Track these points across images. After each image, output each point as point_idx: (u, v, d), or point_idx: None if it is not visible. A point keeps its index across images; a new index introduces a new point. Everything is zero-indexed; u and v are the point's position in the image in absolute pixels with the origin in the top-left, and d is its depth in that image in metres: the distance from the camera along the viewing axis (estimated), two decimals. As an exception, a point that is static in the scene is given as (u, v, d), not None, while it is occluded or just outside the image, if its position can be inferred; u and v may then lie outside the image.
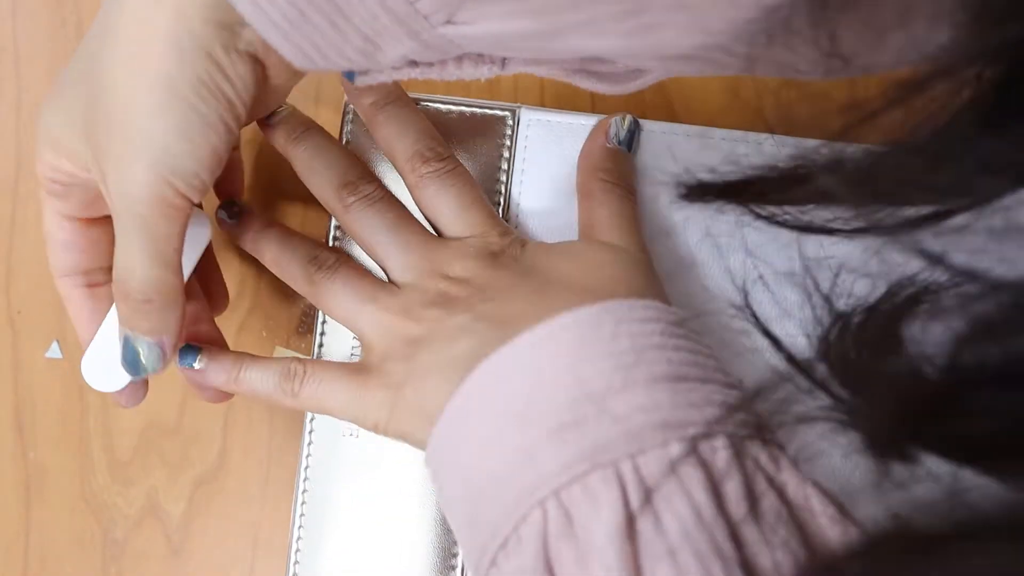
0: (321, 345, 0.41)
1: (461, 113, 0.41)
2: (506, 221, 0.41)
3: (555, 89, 0.45)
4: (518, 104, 0.41)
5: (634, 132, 0.40)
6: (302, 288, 0.38)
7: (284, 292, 0.45)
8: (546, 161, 0.41)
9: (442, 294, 0.36)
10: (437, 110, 0.41)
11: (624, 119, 0.40)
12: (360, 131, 0.41)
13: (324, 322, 0.41)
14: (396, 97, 0.38)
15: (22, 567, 0.45)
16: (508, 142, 0.41)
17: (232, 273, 0.45)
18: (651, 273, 0.37)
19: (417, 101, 0.41)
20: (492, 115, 0.41)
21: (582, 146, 0.40)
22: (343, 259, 0.38)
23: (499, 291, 0.35)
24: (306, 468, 0.41)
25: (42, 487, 0.45)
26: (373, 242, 0.38)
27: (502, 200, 0.41)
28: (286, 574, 0.41)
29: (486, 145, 0.41)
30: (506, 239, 0.38)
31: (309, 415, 0.41)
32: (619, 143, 0.39)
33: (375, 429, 0.36)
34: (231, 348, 0.45)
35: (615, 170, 0.39)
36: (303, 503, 0.41)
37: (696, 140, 0.41)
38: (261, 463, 0.45)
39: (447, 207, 0.38)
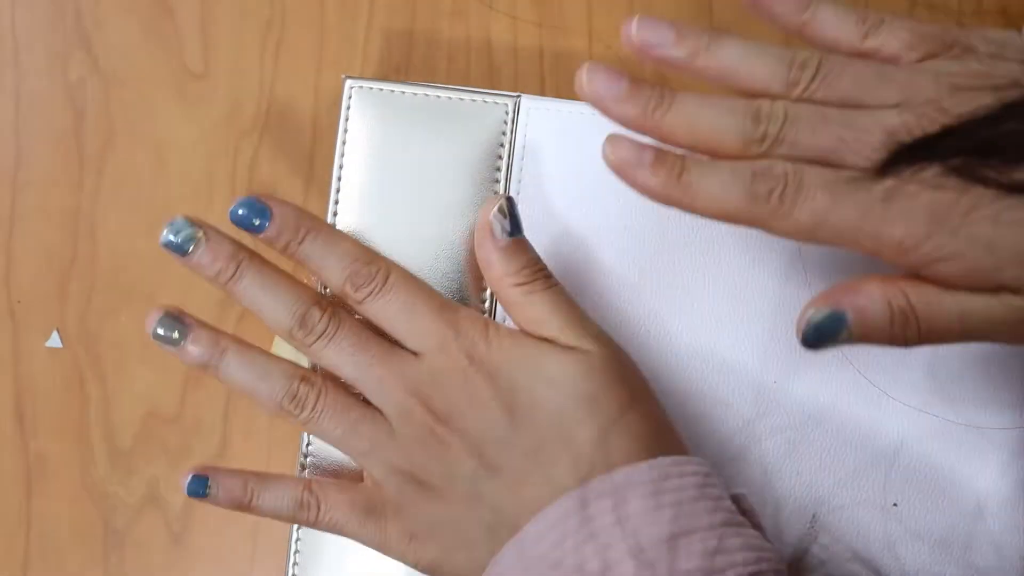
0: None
1: (461, 100, 0.41)
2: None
3: (556, 78, 0.45)
4: (518, 92, 0.41)
5: (515, 213, 0.37)
6: (286, 421, 0.38)
7: (284, 281, 0.45)
8: (546, 149, 0.41)
9: (437, 440, 0.36)
10: (436, 97, 0.41)
11: (499, 209, 0.37)
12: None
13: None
14: (307, 231, 0.38)
15: (23, 556, 0.45)
16: (508, 130, 0.41)
17: (232, 262, 0.45)
18: (630, 375, 0.37)
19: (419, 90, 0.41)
20: (492, 103, 0.41)
21: (476, 255, 0.38)
22: (324, 390, 0.38)
23: (495, 447, 0.36)
24: (306, 456, 0.41)
25: (43, 476, 0.45)
26: (346, 377, 0.38)
27: (499, 188, 0.41)
28: (287, 563, 0.41)
29: (486, 133, 0.41)
30: (465, 340, 0.37)
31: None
32: (508, 235, 0.37)
33: (400, 562, 0.38)
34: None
35: (524, 267, 0.37)
36: (304, 492, 0.41)
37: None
38: (262, 452, 0.45)
39: (396, 323, 0.37)
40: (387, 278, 0.38)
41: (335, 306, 0.38)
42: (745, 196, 0.31)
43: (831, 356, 0.40)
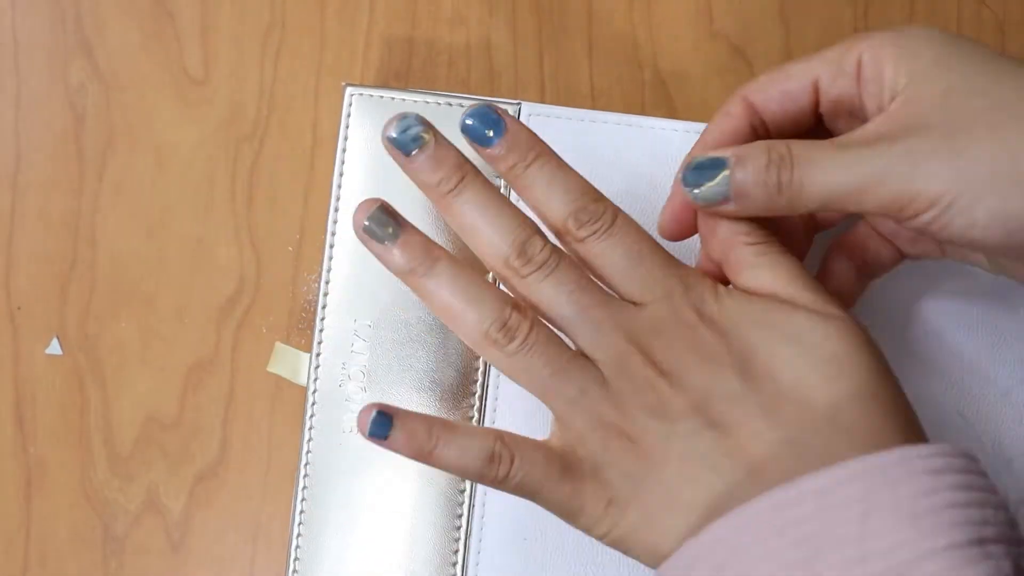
0: (320, 342, 0.41)
1: (461, 107, 0.41)
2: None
3: (555, 85, 0.45)
4: (518, 100, 0.41)
5: (720, 174, 0.33)
6: (485, 355, 0.35)
7: (285, 287, 0.45)
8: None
9: (656, 395, 0.32)
10: (437, 105, 0.41)
11: (715, 163, 0.33)
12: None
13: (323, 319, 0.41)
14: (537, 155, 0.34)
15: (22, 562, 0.45)
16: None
17: (232, 267, 0.45)
18: (873, 345, 0.33)
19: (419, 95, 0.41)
20: (492, 111, 0.41)
21: (700, 226, 0.35)
22: (537, 324, 0.34)
23: (726, 402, 0.32)
24: (306, 464, 0.41)
25: (42, 482, 0.45)
26: (557, 317, 0.34)
27: (502, 196, 0.41)
28: (287, 569, 0.41)
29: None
30: (693, 294, 0.33)
31: (308, 410, 0.41)
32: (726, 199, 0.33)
33: (587, 533, 0.33)
34: (230, 343, 0.45)
35: (754, 231, 0.34)
36: (303, 499, 0.41)
37: (695, 136, 0.41)
38: (261, 458, 0.45)
39: (618, 268, 0.34)
40: (615, 219, 0.34)
41: (556, 246, 0.35)
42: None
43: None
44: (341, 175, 0.41)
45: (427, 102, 0.41)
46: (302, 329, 0.45)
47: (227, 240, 0.45)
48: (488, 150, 0.34)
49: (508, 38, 0.46)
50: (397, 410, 0.34)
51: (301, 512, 0.41)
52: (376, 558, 0.40)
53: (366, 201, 0.35)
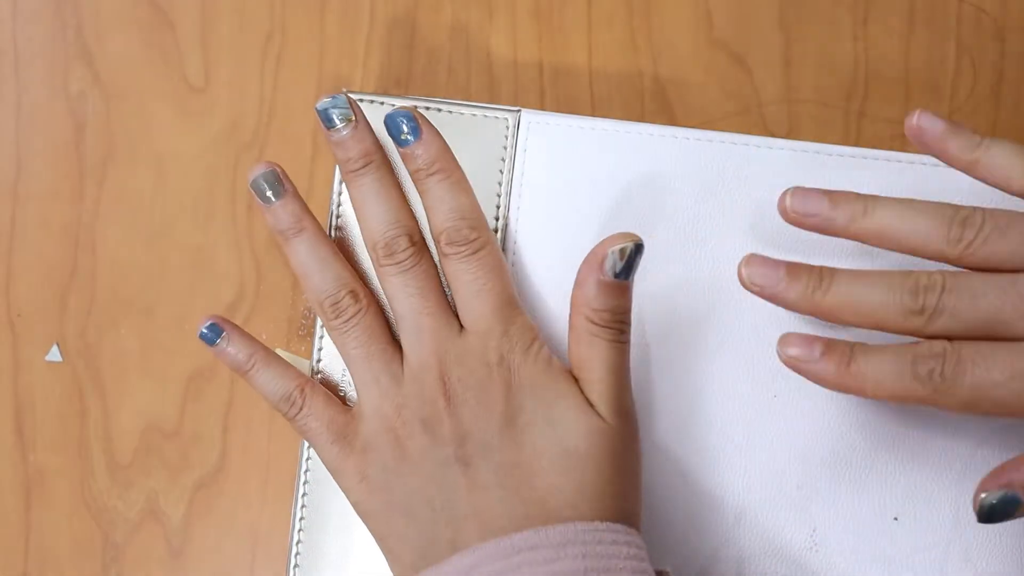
0: (320, 348, 0.42)
1: (461, 115, 0.41)
2: (505, 224, 0.41)
3: (555, 93, 0.45)
4: (518, 107, 0.41)
5: (634, 260, 0.36)
6: (320, 318, 0.40)
7: (285, 295, 0.45)
8: (546, 163, 0.41)
9: (433, 412, 0.37)
10: (437, 112, 0.41)
11: (623, 250, 0.36)
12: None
13: (323, 326, 0.41)
14: (440, 168, 0.39)
15: (22, 570, 0.45)
16: (508, 144, 0.41)
17: (232, 275, 0.45)
18: (623, 457, 0.37)
19: (418, 104, 0.41)
20: (493, 117, 0.41)
21: (578, 268, 0.37)
22: (365, 310, 0.39)
23: (478, 447, 0.36)
24: (306, 471, 0.41)
25: (42, 490, 0.45)
26: (394, 311, 0.39)
27: (500, 203, 0.41)
28: (286, 577, 0.41)
29: (486, 147, 0.41)
30: (506, 341, 0.37)
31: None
32: (615, 276, 0.36)
33: (344, 494, 0.39)
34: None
35: (608, 310, 0.36)
36: (303, 506, 0.41)
37: (695, 143, 0.41)
38: (261, 466, 0.45)
39: (461, 291, 0.38)
40: (479, 249, 0.38)
41: (424, 247, 0.39)
42: (909, 379, 0.33)
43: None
44: (341, 183, 0.41)
45: (427, 108, 0.41)
46: (302, 336, 0.45)
47: (227, 248, 0.45)
48: (401, 148, 0.39)
49: (508, 45, 0.46)
50: (231, 327, 0.40)
51: (301, 519, 0.41)
52: (375, 566, 0.40)
53: (264, 162, 0.40)
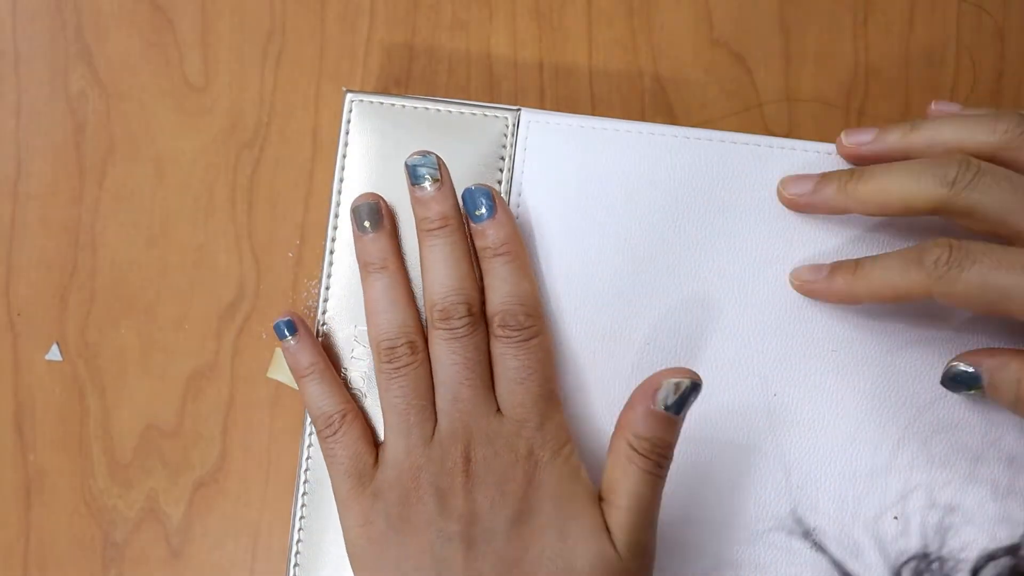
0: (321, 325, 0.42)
1: (461, 114, 0.41)
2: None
3: (555, 92, 0.45)
4: (518, 106, 0.41)
5: (688, 397, 0.35)
6: (373, 352, 0.40)
7: (285, 294, 0.45)
8: (546, 162, 0.41)
9: (450, 483, 0.37)
10: (437, 111, 0.41)
11: (678, 384, 0.35)
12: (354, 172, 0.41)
13: (323, 324, 0.41)
14: (507, 251, 0.39)
15: (22, 570, 0.45)
16: (508, 143, 0.41)
17: (232, 274, 0.45)
18: None
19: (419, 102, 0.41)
20: (493, 116, 0.41)
21: (636, 388, 0.36)
22: (417, 365, 0.39)
23: (485, 532, 0.36)
24: (306, 470, 0.41)
25: (42, 490, 0.45)
26: (437, 373, 0.39)
27: (502, 202, 0.41)
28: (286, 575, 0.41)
29: (486, 146, 0.41)
30: (539, 435, 0.37)
31: (309, 417, 0.41)
32: (666, 408, 0.35)
33: (343, 531, 0.39)
34: (230, 350, 0.45)
35: (651, 440, 0.36)
36: (303, 505, 0.41)
37: (695, 143, 0.41)
38: (261, 465, 0.45)
39: (504, 375, 0.38)
40: (531, 338, 0.38)
41: (480, 320, 0.39)
42: (915, 270, 0.35)
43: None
44: (341, 181, 0.41)
45: (427, 108, 0.41)
46: (302, 336, 0.45)
47: (227, 247, 0.45)
48: (473, 224, 0.39)
49: (508, 44, 0.46)
50: (306, 330, 0.40)
51: (301, 519, 0.41)
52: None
53: (368, 193, 0.40)
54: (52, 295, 0.46)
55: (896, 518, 0.39)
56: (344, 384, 0.41)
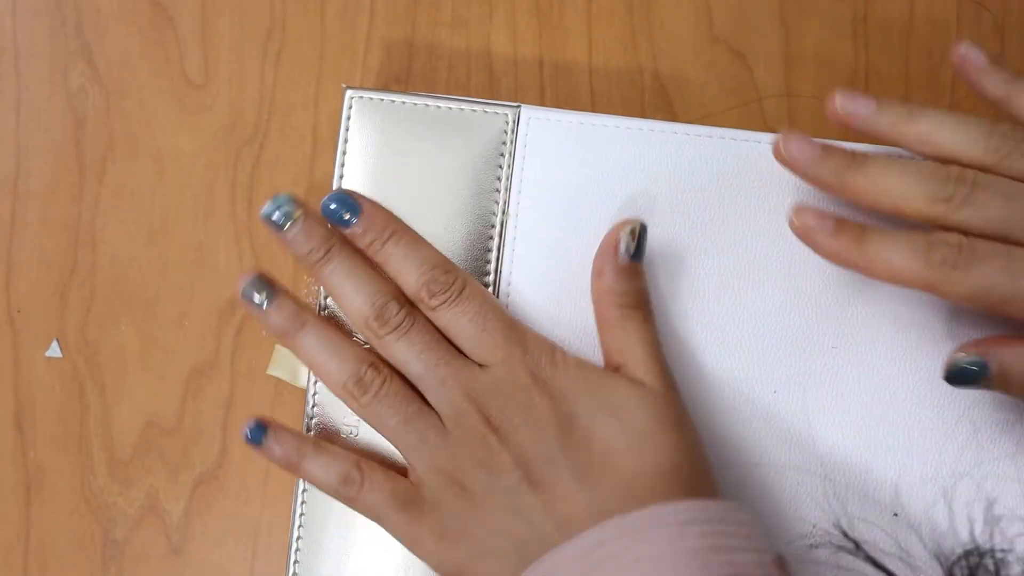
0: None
1: (461, 111, 0.41)
2: (504, 219, 0.41)
3: (555, 89, 0.45)
4: (518, 103, 0.41)
5: (643, 240, 0.38)
6: (345, 402, 0.39)
7: (284, 291, 0.45)
8: (546, 159, 0.41)
9: (486, 449, 0.37)
10: (437, 108, 0.41)
11: (631, 230, 0.38)
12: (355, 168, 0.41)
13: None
14: (392, 232, 0.38)
15: (22, 567, 0.45)
16: (508, 140, 0.41)
17: (232, 272, 0.45)
18: (686, 423, 0.37)
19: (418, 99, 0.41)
20: (493, 113, 0.41)
21: (593, 262, 0.39)
22: (389, 379, 0.38)
23: (544, 464, 0.36)
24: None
25: (42, 487, 0.45)
26: (410, 374, 0.38)
27: (500, 199, 0.41)
28: (286, 573, 0.41)
29: (486, 143, 0.41)
30: (530, 358, 0.37)
31: (308, 413, 0.41)
32: (630, 258, 0.38)
33: (424, 561, 0.38)
34: (230, 348, 0.45)
35: (631, 291, 0.38)
36: (303, 502, 0.41)
37: (695, 139, 0.41)
38: (261, 462, 0.45)
39: (465, 333, 0.38)
40: (462, 289, 0.38)
41: (414, 306, 0.39)
42: (921, 264, 0.34)
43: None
44: (341, 178, 0.41)
45: (427, 105, 0.41)
46: (302, 333, 0.45)
47: (227, 244, 0.45)
48: (348, 230, 0.38)
49: (508, 41, 0.46)
50: (273, 424, 0.39)
51: (301, 516, 0.41)
52: (375, 563, 0.40)
53: (246, 274, 0.39)
54: (52, 292, 0.46)
55: (896, 515, 0.39)
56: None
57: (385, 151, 0.41)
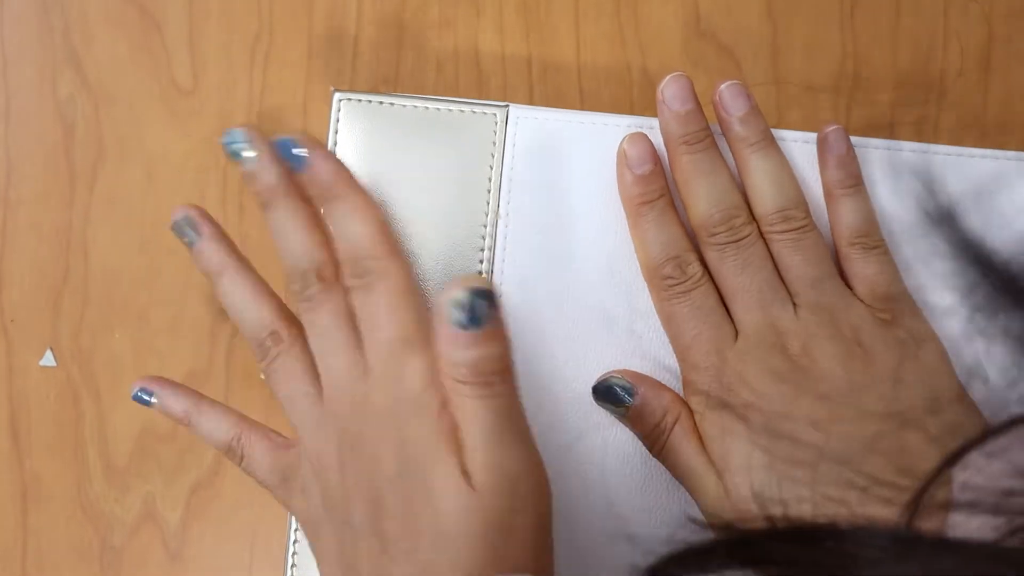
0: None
1: (450, 111, 0.41)
2: (494, 219, 0.41)
3: (544, 88, 0.45)
4: (507, 102, 0.41)
5: (477, 308, 0.32)
6: (256, 357, 0.39)
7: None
8: (535, 158, 0.41)
9: (349, 448, 0.35)
10: (425, 109, 0.41)
11: (458, 301, 0.32)
12: (347, 140, 0.41)
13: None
14: (337, 195, 0.37)
15: None
16: (497, 140, 0.41)
17: (224, 277, 0.45)
18: (504, 529, 0.33)
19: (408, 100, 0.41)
20: (481, 113, 0.41)
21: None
22: (286, 351, 0.38)
23: (369, 504, 0.34)
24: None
25: (38, 495, 0.45)
26: (310, 344, 0.37)
27: (490, 198, 0.41)
28: (284, 577, 0.41)
29: (475, 143, 0.41)
30: (403, 386, 0.34)
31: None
32: (462, 327, 0.32)
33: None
34: (224, 353, 0.45)
35: (463, 364, 0.33)
36: (299, 505, 0.41)
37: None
38: (257, 466, 0.45)
39: (365, 324, 0.36)
40: (379, 281, 0.36)
41: (339, 280, 0.37)
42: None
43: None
44: (331, 181, 0.41)
45: (416, 106, 0.41)
46: (296, 336, 0.45)
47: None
48: (298, 175, 0.37)
49: (496, 41, 0.46)
50: (161, 384, 0.40)
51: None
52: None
53: (180, 206, 0.39)
54: (45, 301, 0.46)
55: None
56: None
57: (374, 153, 0.41)
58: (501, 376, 0.33)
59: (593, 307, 0.40)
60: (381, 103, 0.41)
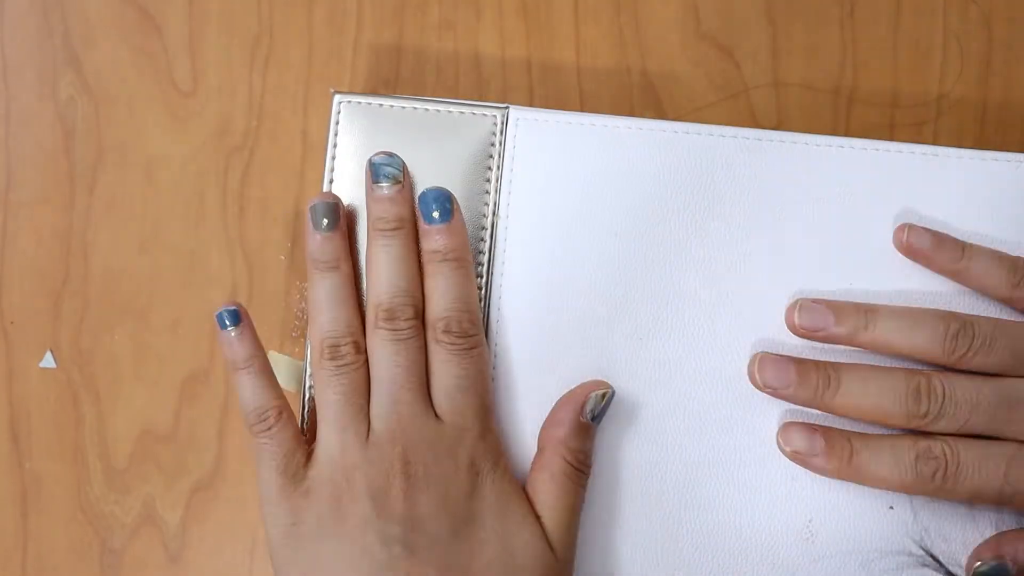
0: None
1: (449, 113, 0.41)
2: (494, 221, 0.41)
3: (544, 90, 0.45)
4: (506, 104, 0.41)
5: (608, 405, 0.39)
6: (312, 355, 0.40)
7: (277, 297, 0.45)
8: (535, 159, 0.41)
9: (388, 486, 0.36)
10: (425, 111, 0.41)
11: (603, 395, 0.39)
12: (346, 154, 0.41)
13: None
14: (455, 257, 0.39)
15: (20, 578, 0.45)
16: (497, 141, 0.41)
17: (224, 278, 0.45)
18: None
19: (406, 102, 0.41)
20: (481, 115, 0.41)
21: (553, 408, 0.39)
22: (360, 366, 0.39)
23: (429, 539, 0.36)
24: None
25: (38, 497, 0.45)
26: (375, 372, 0.39)
27: (490, 200, 0.41)
28: (284, 579, 0.41)
29: (475, 145, 0.41)
30: (480, 446, 0.38)
31: (303, 417, 0.41)
32: (592, 419, 0.39)
33: (267, 538, 0.38)
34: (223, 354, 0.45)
35: (580, 450, 0.38)
36: (299, 507, 0.41)
37: (684, 137, 0.41)
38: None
39: (443, 383, 0.38)
40: (474, 347, 0.38)
41: (423, 326, 0.39)
42: (910, 477, 0.37)
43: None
44: (331, 183, 0.41)
45: (415, 108, 0.41)
46: (295, 338, 0.45)
47: (219, 251, 0.45)
48: (425, 226, 0.39)
49: (496, 43, 0.46)
50: (249, 322, 0.40)
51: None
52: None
53: (326, 192, 0.41)
54: (45, 303, 0.46)
55: (892, 508, 0.39)
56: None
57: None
58: (590, 470, 0.39)
59: (593, 307, 0.40)
60: (381, 105, 0.41)
